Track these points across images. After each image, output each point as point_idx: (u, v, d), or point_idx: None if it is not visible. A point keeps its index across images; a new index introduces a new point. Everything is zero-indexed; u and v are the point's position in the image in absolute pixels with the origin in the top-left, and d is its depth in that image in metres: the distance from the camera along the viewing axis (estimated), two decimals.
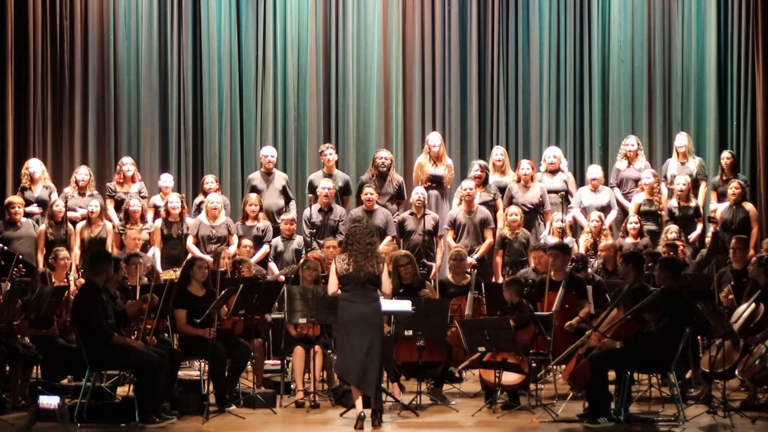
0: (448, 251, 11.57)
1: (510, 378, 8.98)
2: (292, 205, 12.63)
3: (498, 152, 12.68)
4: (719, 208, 11.97)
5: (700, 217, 12.14)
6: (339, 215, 12.14)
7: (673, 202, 12.04)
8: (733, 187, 11.86)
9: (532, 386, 9.23)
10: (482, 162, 12.58)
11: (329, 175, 12.44)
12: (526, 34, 13.98)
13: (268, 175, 12.55)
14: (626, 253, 9.79)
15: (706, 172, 12.59)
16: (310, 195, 12.49)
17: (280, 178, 12.63)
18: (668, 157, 12.92)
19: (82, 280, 9.96)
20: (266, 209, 12.28)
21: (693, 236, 11.92)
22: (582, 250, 11.50)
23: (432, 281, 10.57)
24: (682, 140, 12.58)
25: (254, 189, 12.44)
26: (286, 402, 9.39)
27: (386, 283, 8.55)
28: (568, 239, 11.74)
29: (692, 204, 12.06)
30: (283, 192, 12.56)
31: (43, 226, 11.81)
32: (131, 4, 13.92)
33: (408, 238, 11.95)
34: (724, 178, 12.25)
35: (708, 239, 11.59)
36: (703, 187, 12.41)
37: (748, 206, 11.92)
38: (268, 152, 12.68)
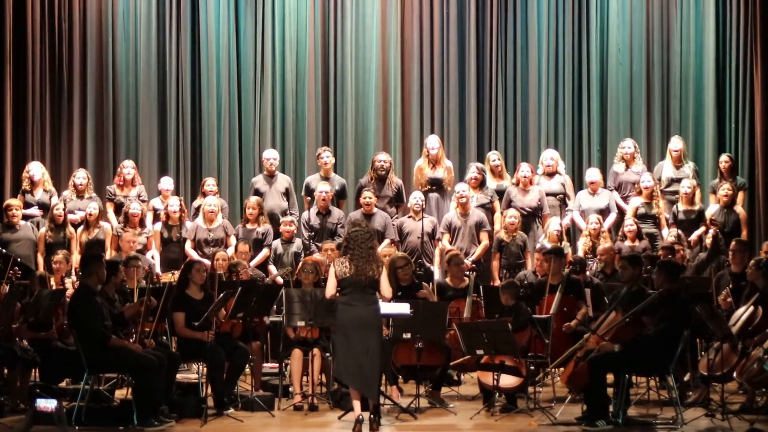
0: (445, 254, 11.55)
1: (508, 381, 8.98)
2: (295, 208, 12.61)
3: (494, 157, 12.68)
4: (710, 211, 11.97)
5: (704, 220, 12.13)
6: (337, 218, 12.14)
7: (678, 206, 12.02)
8: (725, 189, 11.87)
9: (530, 389, 9.23)
10: (479, 164, 12.56)
11: (326, 179, 12.44)
12: (524, 37, 13.96)
13: (270, 177, 12.54)
14: (625, 255, 9.80)
15: (700, 178, 12.58)
16: (307, 198, 12.48)
17: (282, 180, 12.61)
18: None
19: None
20: (269, 211, 12.27)
21: (694, 236, 11.88)
22: (580, 253, 11.50)
23: (431, 284, 10.57)
24: (677, 144, 12.56)
25: (257, 192, 12.43)
26: (284, 405, 9.38)
27: (386, 287, 8.55)
28: (563, 244, 11.72)
29: (696, 207, 12.04)
30: (286, 194, 12.56)
31: (43, 229, 11.80)
32: (130, 6, 13.92)
33: (406, 240, 11.97)
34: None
35: (708, 242, 11.59)
36: (698, 192, 12.39)
37: (738, 209, 11.93)
38: (271, 155, 12.65)
